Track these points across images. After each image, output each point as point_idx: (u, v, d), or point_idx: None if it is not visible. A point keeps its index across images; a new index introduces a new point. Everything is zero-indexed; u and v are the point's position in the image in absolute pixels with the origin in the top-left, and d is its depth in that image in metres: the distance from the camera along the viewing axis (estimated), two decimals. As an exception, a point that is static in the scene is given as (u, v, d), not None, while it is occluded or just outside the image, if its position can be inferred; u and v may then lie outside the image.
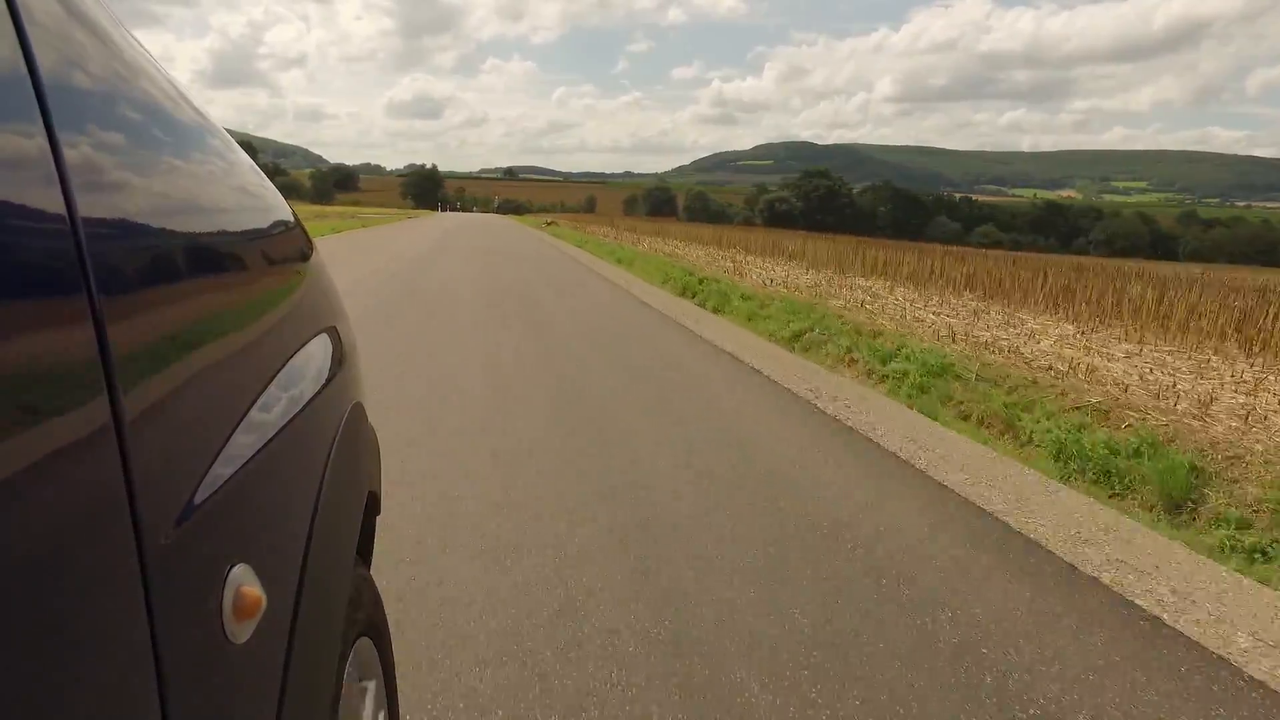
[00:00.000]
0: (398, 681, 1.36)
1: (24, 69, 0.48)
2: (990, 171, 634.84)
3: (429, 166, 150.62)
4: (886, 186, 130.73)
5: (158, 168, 0.70)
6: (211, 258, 0.77)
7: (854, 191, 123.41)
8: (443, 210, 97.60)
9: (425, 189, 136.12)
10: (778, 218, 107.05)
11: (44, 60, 0.50)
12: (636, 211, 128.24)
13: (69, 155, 0.49)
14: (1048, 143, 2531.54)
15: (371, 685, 1.16)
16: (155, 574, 0.49)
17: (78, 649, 0.42)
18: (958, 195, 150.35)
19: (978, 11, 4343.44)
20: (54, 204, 0.46)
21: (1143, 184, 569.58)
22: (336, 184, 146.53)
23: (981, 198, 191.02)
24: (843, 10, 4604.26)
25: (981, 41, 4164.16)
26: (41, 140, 0.47)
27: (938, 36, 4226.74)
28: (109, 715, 0.45)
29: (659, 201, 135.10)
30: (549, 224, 42.19)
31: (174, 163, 0.76)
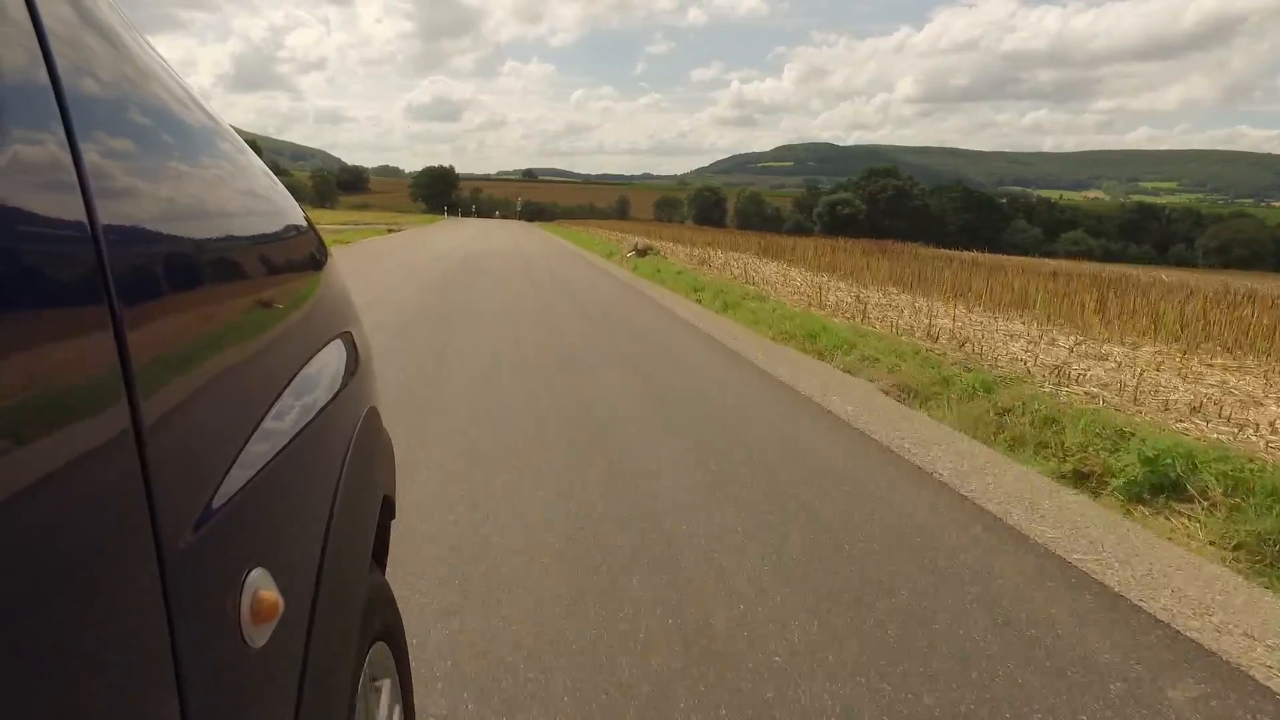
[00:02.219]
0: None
1: (45, 78, 0.48)
2: (1013, 172, 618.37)
3: (446, 167, 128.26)
4: (957, 187, 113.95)
5: (172, 173, 0.70)
6: (227, 263, 0.76)
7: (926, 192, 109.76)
8: (450, 215, 75.30)
9: (438, 190, 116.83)
10: (840, 223, 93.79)
11: (63, 68, 0.50)
12: (672, 215, 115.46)
13: (88, 162, 0.49)
14: (1071, 143, 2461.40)
15: (386, 683, 1.16)
16: (174, 578, 0.49)
17: (98, 652, 0.43)
18: (1035, 195, 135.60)
19: (1002, 10, 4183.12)
20: (75, 211, 0.46)
21: (1172, 184, 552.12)
22: (344, 185, 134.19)
23: (1061, 199, 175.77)
24: (864, 10, 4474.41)
25: (1005, 41, 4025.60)
26: (63, 148, 0.47)
27: (960, 36, 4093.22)
28: (129, 718, 0.46)
29: (707, 205, 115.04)
30: (639, 254, 18.39)
31: (188, 168, 0.75)
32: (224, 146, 0.89)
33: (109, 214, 0.50)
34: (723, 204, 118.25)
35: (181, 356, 0.58)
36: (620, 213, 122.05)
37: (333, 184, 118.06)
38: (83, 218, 0.47)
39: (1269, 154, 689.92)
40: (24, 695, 0.37)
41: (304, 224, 1.09)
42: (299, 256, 1.03)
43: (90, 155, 0.50)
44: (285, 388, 0.80)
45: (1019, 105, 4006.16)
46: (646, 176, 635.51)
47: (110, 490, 0.45)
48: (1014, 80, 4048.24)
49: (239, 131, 1.00)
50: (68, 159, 0.47)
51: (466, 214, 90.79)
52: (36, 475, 0.38)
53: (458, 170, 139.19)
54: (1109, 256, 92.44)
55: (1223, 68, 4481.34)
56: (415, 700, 1.41)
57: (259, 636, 0.61)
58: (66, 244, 0.45)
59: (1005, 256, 26.17)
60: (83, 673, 0.41)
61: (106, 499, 0.45)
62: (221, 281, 0.73)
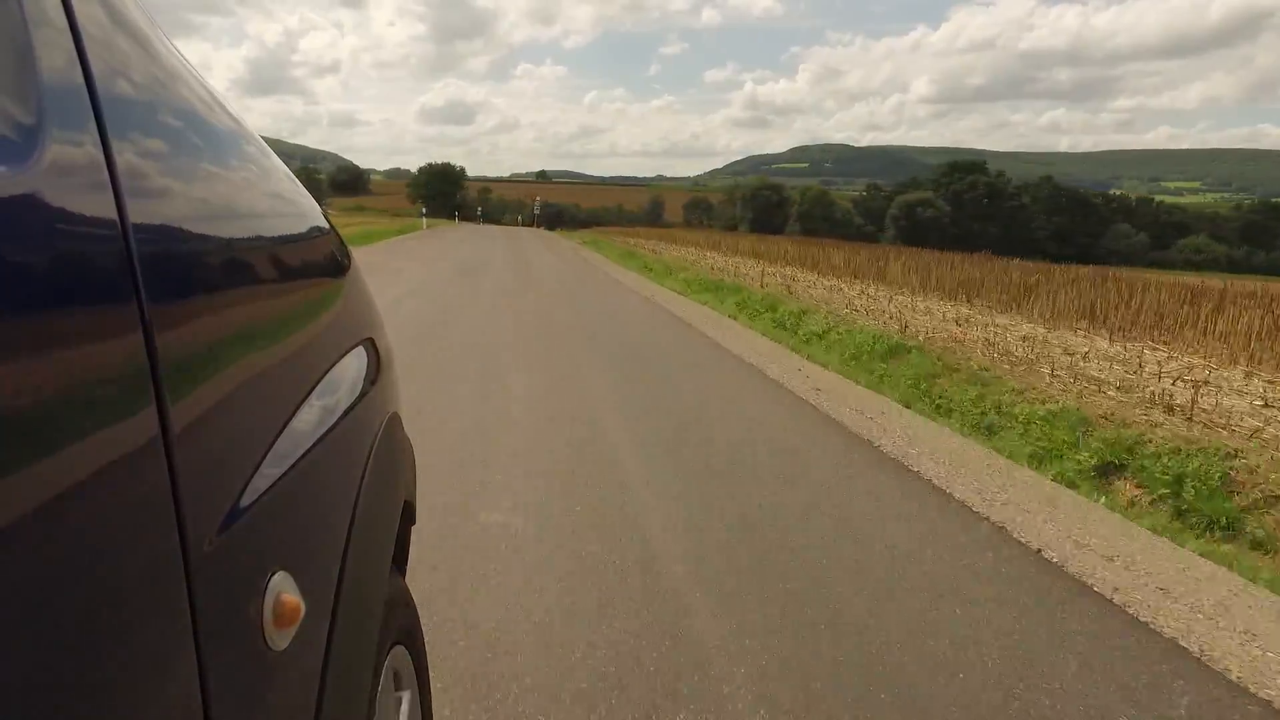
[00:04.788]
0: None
1: (81, 79, 0.48)
2: (1030, 173, 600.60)
3: (449, 164, 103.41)
4: (1046, 184, 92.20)
5: (202, 175, 0.71)
6: (254, 265, 0.77)
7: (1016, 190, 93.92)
8: (430, 220, 44.18)
9: (440, 190, 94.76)
10: (920, 228, 79.26)
11: (97, 69, 0.50)
12: (702, 219, 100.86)
13: (121, 163, 0.49)
14: (1088, 143, 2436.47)
15: (405, 687, 1.17)
16: (199, 580, 0.50)
17: (124, 654, 0.43)
18: (1133, 195, 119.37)
19: (1020, 8, 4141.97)
20: (107, 212, 0.47)
21: (1196, 183, 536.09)
22: (342, 186, 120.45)
23: (1163, 197, 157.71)
24: (880, 10, 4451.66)
25: (1023, 39, 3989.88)
26: (97, 148, 0.47)
27: (977, 35, 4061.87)
28: (153, 718, 0.46)
29: (767, 206, 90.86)
30: None
31: (216, 170, 0.76)
32: (249, 149, 0.89)
33: (140, 214, 0.50)
34: (786, 205, 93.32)
35: (208, 359, 0.58)
36: (653, 217, 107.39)
37: (322, 184, 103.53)
38: (114, 218, 0.47)
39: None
40: (49, 695, 0.37)
41: (327, 226, 1.08)
42: (323, 259, 1.03)
43: (123, 156, 0.50)
44: (309, 393, 0.79)
45: (1036, 105, 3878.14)
46: (659, 178, 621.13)
47: (138, 491, 0.45)
48: (1031, 79, 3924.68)
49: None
50: (101, 159, 0.47)
51: (468, 218, 68.61)
52: (65, 474, 0.38)
53: (470, 173, 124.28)
54: (1232, 266, 76.28)
55: (1247, 64, 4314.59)
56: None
57: (281, 640, 0.61)
58: (99, 244, 0.45)
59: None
60: (110, 674, 0.42)
61: (134, 500, 0.45)
62: (249, 283, 0.73)
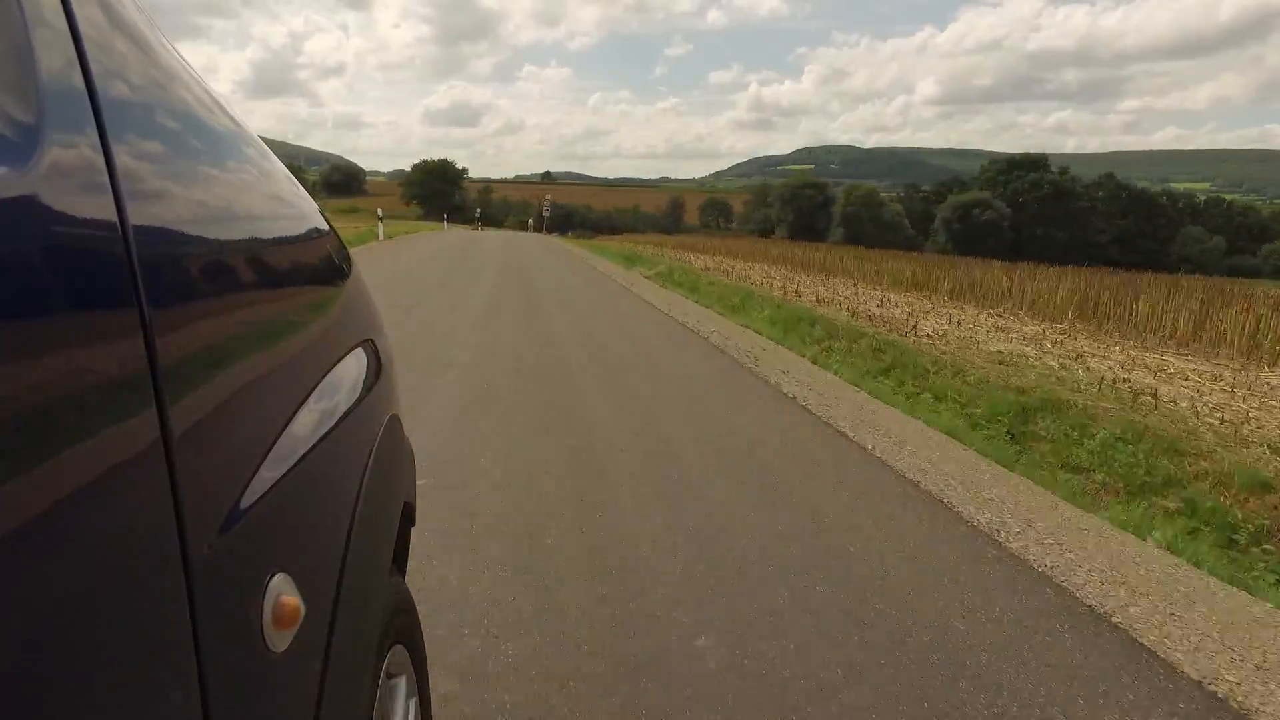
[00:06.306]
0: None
1: (81, 81, 0.49)
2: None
3: (446, 161, 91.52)
4: (1108, 182, 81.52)
5: (201, 177, 0.71)
6: (254, 267, 0.76)
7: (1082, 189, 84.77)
8: (389, 226, 22.27)
9: (436, 190, 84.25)
10: (975, 233, 71.05)
11: (96, 71, 0.50)
12: (719, 221, 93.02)
13: (120, 165, 0.49)
14: (1094, 144, 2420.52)
15: (403, 686, 1.18)
16: (199, 582, 0.50)
17: (124, 655, 0.43)
18: (1200, 195, 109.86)
19: (1027, 9, 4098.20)
20: (108, 214, 0.47)
21: (1206, 184, 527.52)
22: (335, 186, 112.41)
23: (1233, 196, 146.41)
24: (887, 11, 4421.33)
25: (1030, 40, 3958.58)
26: (96, 151, 0.47)
27: (984, 36, 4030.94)
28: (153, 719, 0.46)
29: (810, 208, 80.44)
30: None
31: (216, 172, 0.75)
32: (249, 151, 0.89)
33: (140, 216, 0.50)
34: (830, 206, 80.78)
35: (208, 362, 0.57)
36: (673, 220, 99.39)
37: (315, 185, 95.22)
38: (114, 220, 0.47)
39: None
40: (50, 696, 0.37)
41: (327, 228, 1.08)
42: (323, 261, 1.03)
43: (122, 157, 0.50)
44: (309, 395, 0.79)
45: (1042, 106, 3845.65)
46: (665, 180, 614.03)
47: (138, 493, 0.45)
48: (1038, 80, 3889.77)
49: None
50: (100, 160, 0.47)
51: (465, 221, 58.13)
52: (65, 476, 0.39)
53: (475, 175, 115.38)
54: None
55: (1256, 64, 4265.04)
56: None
57: (280, 641, 0.61)
58: (99, 245, 0.45)
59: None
60: (110, 677, 0.42)
61: (134, 502, 0.45)
62: (248, 285, 0.73)
